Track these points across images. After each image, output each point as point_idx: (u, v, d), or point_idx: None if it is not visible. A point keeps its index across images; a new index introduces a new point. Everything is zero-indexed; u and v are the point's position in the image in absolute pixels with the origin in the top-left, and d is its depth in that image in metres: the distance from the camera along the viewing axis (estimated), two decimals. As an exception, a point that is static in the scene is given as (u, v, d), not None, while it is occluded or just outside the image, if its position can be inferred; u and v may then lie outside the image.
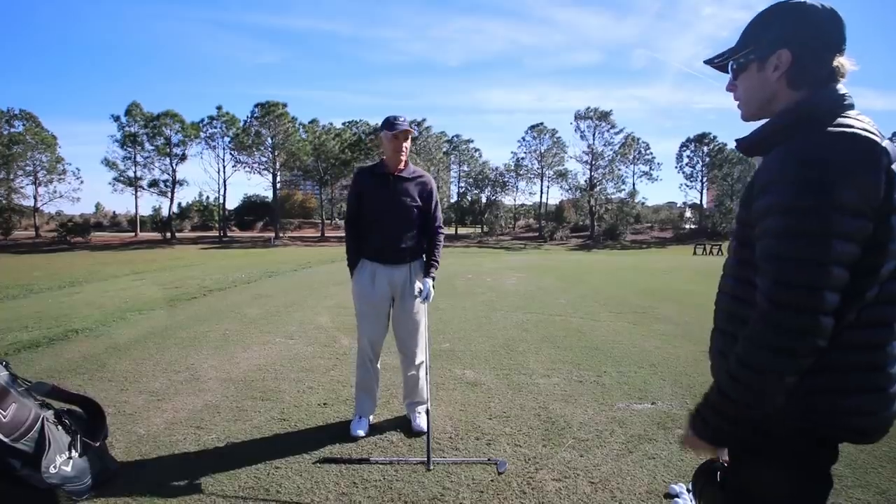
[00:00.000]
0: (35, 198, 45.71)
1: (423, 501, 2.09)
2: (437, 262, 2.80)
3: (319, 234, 49.92)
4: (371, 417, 2.85)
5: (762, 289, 0.91)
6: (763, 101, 1.05)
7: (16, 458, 1.83)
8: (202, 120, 47.06)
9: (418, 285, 2.68)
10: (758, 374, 0.91)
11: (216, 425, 2.81)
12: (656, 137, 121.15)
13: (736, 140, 1.08)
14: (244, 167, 48.02)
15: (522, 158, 53.29)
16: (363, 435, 2.69)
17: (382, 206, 2.66)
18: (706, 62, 1.14)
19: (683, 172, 53.20)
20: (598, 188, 51.33)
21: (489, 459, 2.42)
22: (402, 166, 2.70)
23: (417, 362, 2.79)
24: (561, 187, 53.61)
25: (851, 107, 0.96)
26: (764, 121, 1.05)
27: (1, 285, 9.68)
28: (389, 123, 2.63)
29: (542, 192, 54.09)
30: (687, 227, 56.81)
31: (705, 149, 52.41)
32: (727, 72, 1.11)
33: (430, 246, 2.81)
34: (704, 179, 53.26)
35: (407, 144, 2.67)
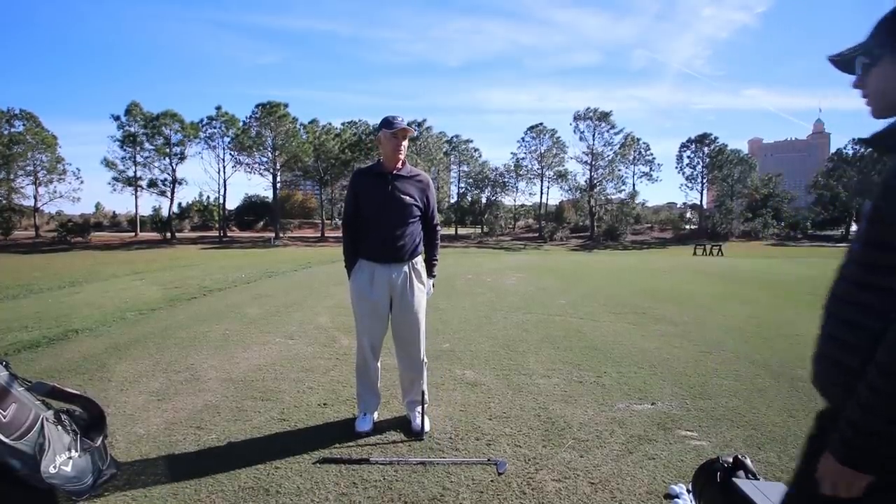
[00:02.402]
0: (35, 198, 45.70)
1: (423, 501, 2.09)
2: (437, 260, 2.91)
3: (319, 235, 49.93)
4: (375, 414, 2.86)
5: None
6: None
7: (16, 458, 1.83)
8: (202, 120, 47.08)
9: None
10: None
11: (216, 425, 2.81)
12: (656, 138, 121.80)
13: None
14: (244, 167, 48.04)
15: (522, 159, 53.30)
16: (369, 430, 2.72)
17: (381, 204, 2.67)
18: (831, 59, 1.06)
19: (683, 173, 53.22)
20: (597, 189, 51.33)
21: (489, 460, 2.41)
22: (399, 165, 2.71)
23: (419, 362, 2.79)
24: (561, 188, 53.64)
25: None
26: None
27: (1, 285, 9.68)
28: (388, 122, 2.65)
29: (542, 193, 54.12)
30: (687, 227, 56.82)
31: (706, 149, 52.40)
32: (849, 71, 1.06)
33: (430, 245, 2.87)
34: (705, 180, 53.26)
35: (405, 143, 2.68)
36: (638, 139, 52.60)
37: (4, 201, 44.03)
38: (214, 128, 47.04)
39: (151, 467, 2.35)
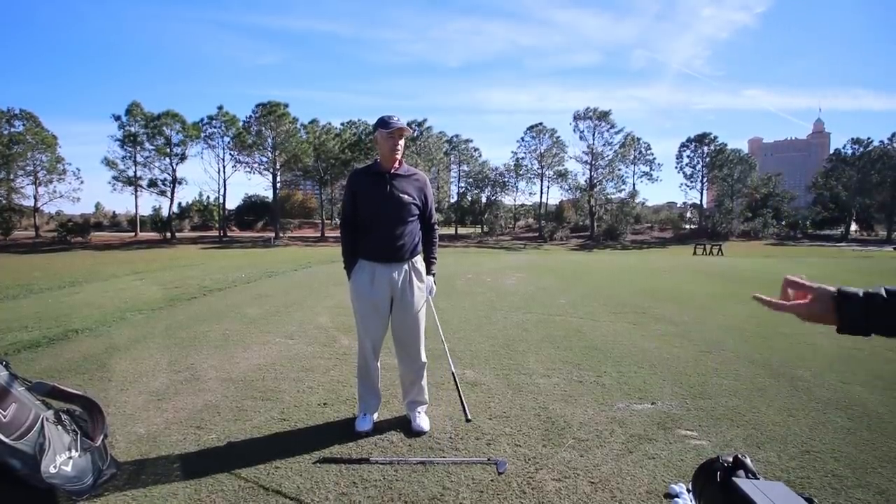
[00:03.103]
0: (35, 198, 45.74)
1: (423, 501, 2.09)
2: (435, 258, 2.91)
3: (319, 234, 49.94)
4: (375, 415, 2.87)
5: None
6: None
7: (16, 458, 1.83)
8: (202, 119, 47.10)
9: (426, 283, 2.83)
10: None
11: (216, 425, 2.81)
12: (656, 138, 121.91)
13: None
14: (244, 167, 48.07)
15: (522, 158, 53.31)
16: (369, 429, 2.72)
17: (379, 204, 2.67)
18: None
19: (683, 173, 53.26)
20: (597, 188, 51.34)
21: (489, 459, 2.42)
22: (397, 165, 2.71)
23: (420, 362, 2.79)
24: (561, 187, 53.70)
25: None
26: None
27: (1, 285, 9.68)
28: (384, 122, 2.65)
29: (542, 192, 54.14)
30: (687, 227, 56.88)
31: (705, 149, 52.42)
32: None
33: (428, 243, 2.89)
34: (704, 180, 53.27)
35: (402, 143, 2.68)
36: (638, 139, 52.64)
37: (4, 201, 44.05)
38: (215, 127, 47.08)
39: (151, 467, 2.35)
